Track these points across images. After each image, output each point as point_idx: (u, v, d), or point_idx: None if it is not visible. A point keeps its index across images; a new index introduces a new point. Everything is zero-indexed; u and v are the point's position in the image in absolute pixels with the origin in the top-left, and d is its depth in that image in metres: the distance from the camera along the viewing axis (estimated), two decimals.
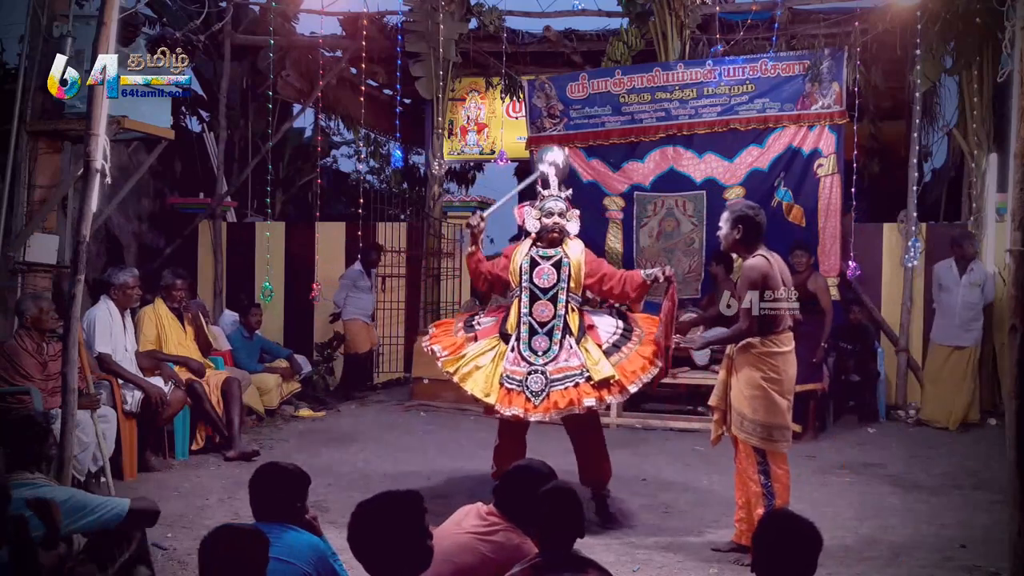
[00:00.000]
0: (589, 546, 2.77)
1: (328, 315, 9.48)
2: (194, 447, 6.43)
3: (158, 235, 10.17)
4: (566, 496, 2.73)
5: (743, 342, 4.32)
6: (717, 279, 7.62)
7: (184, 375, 6.31)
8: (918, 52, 8.03)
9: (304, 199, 12.13)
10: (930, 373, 7.88)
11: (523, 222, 4.89)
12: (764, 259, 4.32)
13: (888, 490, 5.69)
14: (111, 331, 5.88)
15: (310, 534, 2.91)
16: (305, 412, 8.09)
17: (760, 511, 4.13)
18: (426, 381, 8.46)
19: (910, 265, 8.12)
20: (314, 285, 8.83)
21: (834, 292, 8.12)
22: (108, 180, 4.16)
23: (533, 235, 4.81)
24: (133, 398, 5.80)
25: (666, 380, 5.22)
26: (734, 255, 5.24)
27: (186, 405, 6.23)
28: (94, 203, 4.07)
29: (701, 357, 7.36)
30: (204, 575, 2.43)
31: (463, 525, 3.04)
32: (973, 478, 5.97)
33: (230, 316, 8.57)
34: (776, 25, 8.75)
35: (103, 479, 5.09)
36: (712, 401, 4.53)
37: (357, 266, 9.23)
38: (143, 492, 5.04)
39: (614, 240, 8.51)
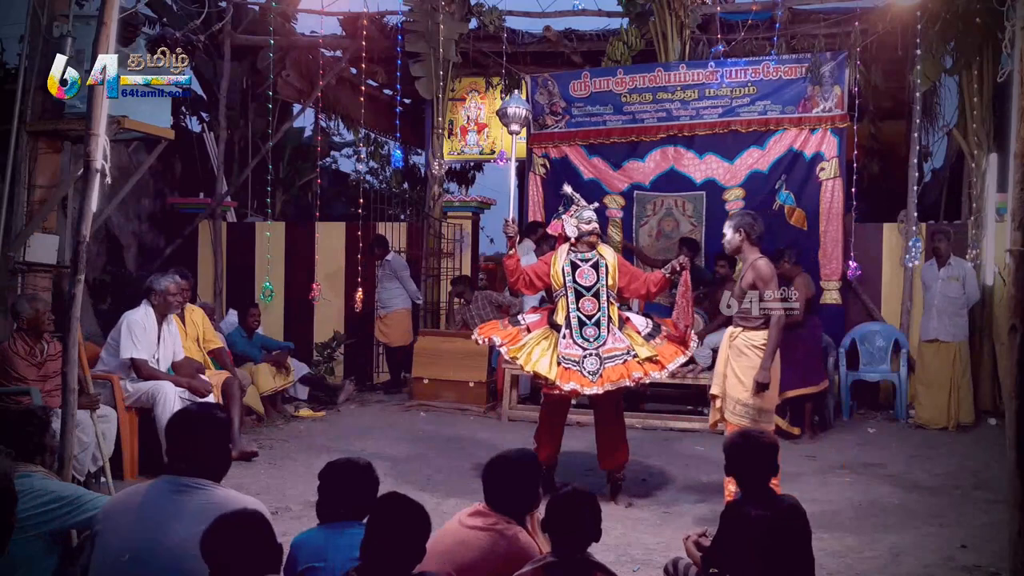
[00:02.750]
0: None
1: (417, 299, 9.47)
2: None
3: (158, 235, 10.18)
4: (584, 500, 2.74)
5: (739, 332, 4.84)
6: (725, 279, 7.59)
7: (214, 378, 6.28)
8: (918, 52, 8.02)
9: (304, 199, 12.13)
10: (921, 375, 7.85)
11: (562, 230, 5.47)
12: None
13: (888, 490, 5.69)
14: (143, 337, 5.77)
15: None
16: (305, 412, 8.09)
17: None
18: (426, 381, 8.46)
19: (910, 265, 8.11)
20: (314, 285, 8.85)
21: (836, 295, 8.14)
22: (108, 180, 4.15)
23: (573, 240, 5.37)
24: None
25: (669, 380, 5.62)
26: (737, 256, 5.57)
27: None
28: (94, 203, 4.06)
29: (704, 358, 7.33)
30: (209, 562, 2.40)
31: (464, 522, 3.07)
32: (973, 478, 5.96)
33: (234, 315, 8.58)
34: (777, 25, 8.75)
35: (103, 479, 5.09)
36: (714, 390, 5.00)
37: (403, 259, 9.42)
38: None
39: (614, 238, 8.51)
